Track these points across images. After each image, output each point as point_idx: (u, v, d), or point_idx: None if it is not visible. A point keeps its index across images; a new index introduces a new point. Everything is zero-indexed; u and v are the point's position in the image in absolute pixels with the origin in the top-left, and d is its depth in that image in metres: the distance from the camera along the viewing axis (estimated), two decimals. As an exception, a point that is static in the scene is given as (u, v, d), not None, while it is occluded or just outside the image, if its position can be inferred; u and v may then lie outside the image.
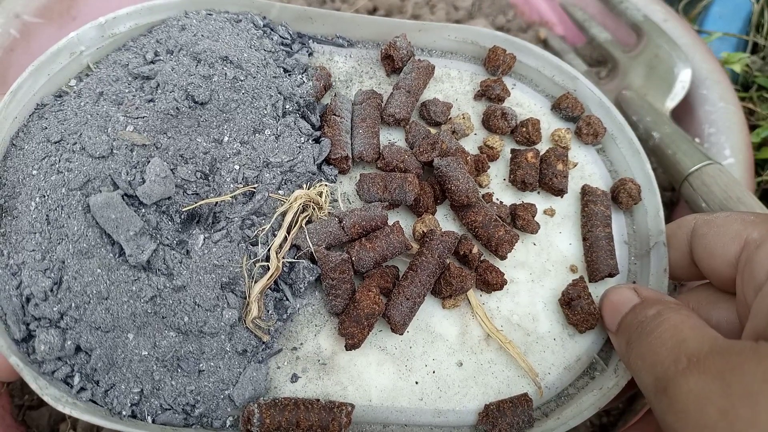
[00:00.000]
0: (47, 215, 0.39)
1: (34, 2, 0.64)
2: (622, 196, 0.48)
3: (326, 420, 0.39)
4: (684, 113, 0.66)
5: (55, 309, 0.37)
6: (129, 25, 0.48)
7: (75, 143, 0.41)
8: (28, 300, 0.38)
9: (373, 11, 0.71)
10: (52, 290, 0.37)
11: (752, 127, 0.70)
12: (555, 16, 0.79)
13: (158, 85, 0.44)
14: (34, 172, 0.41)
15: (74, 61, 0.46)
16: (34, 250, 0.38)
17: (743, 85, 0.76)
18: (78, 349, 0.38)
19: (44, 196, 0.40)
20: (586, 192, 0.49)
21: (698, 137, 0.64)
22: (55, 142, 0.42)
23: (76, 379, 0.38)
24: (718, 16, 0.76)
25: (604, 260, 0.46)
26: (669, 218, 0.68)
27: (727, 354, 0.31)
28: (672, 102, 0.64)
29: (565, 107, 0.51)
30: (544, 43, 0.76)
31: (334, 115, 0.47)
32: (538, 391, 0.43)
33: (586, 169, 0.51)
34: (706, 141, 0.64)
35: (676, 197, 0.67)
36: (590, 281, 0.47)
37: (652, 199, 0.49)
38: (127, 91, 0.44)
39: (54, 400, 0.37)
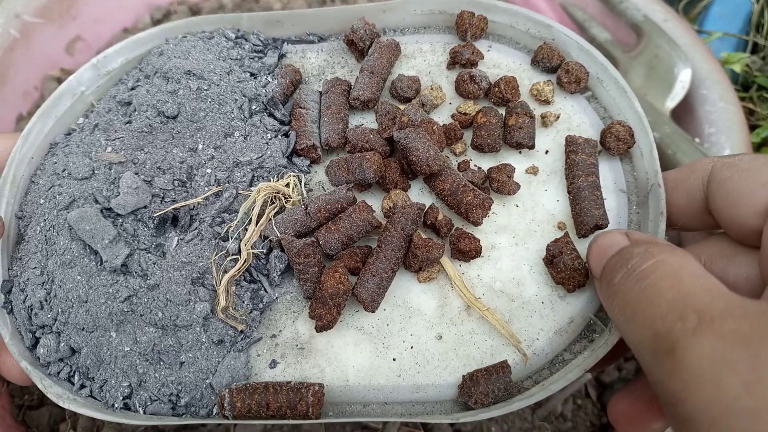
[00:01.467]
0: (45, 236, 0.44)
1: (34, 2, 0.67)
2: (610, 140, 0.44)
3: (294, 400, 0.39)
4: (684, 113, 0.63)
5: (49, 316, 0.42)
6: (120, 61, 0.53)
7: (64, 170, 0.46)
8: (31, 310, 0.43)
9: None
10: (46, 299, 0.42)
11: (752, 127, 0.68)
12: (555, 16, 0.76)
13: (135, 108, 0.48)
14: (42, 201, 0.47)
15: (78, 101, 0.52)
16: (35, 268, 0.44)
17: (743, 85, 0.73)
18: (73, 350, 0.42)
19: (45, 220, 0.45)
20: (568, 143, 0.45)
21: (698, 137, 0.62)
22: (58, 173, 0.47)
23: (77, 377, 0.42)
24: (718, 16, 0.74)
25: (589, 211, 0.42)
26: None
27: (754, 317, 0.26)
28: (672, 102, 0.62)
29: (542, 58, 0.48)
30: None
31: (299, 107, 0.49)
32: (523, 358, 0.41)
33: (574, 119, 0.47)
34: (706, 141, 0.61)
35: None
36: (579, 236, 0.43)
37: (644, 140, 0.44)
38: (114, 119, 0.49)
39: (56, 397, 0.41)
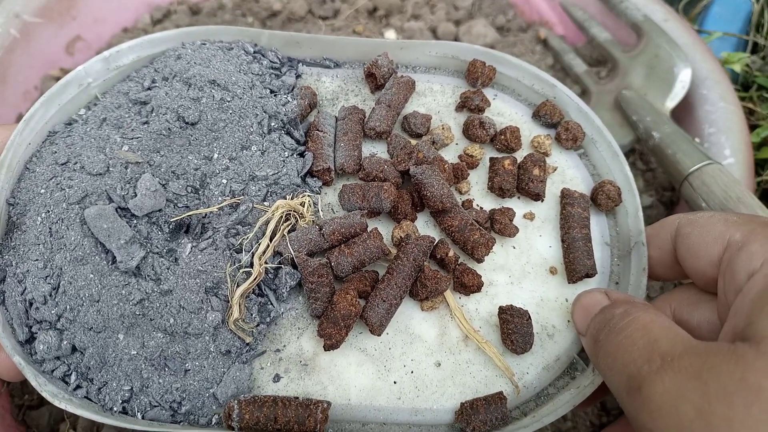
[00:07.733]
0: (50, 228, 0.43)
1: (34, 2, 0.67)
2: (601, 198, 0.49)
3: (302, 416, 0.41)
4: (684, 113, 0.66)
5: (53, 312, 0.41)
6: (132, 57, 0.52)
7: (76, 163, 0.45)
8: (30, 304, 0.42)
9: (373, 11, 0.73)
10: (50, 294, 0.41)
11: (752, 127, 0.69)
12: (555, 16, 0.80)
13: (153, 108, 0.48)
14: (42, 190, 0.45)
15: (83, 92, 0.51)
16: (37, 260, 0.42)
17: (743, 85, 0.75)
18: (74, 348, 0.41)
19: (48, 211, 0.44)
20: (564, 195, 0.50)
21: (698, 137, 0.64)
22: (62, 164, 0.46)
23: (73, 377, 0.41)
24: (718, 16, 0.76)
25: (581, 261, 0.47)
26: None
27: (703, 354, 0.31)
28: (672, 102, 0.65)
29: (544, 114, 0.52)
30: (544, 43, 0.77)
31: (317, 130, 0.50)
32: (515, 390, 0.44)
33: (568, 173, 0.52)
34: (706, 141, 0.64)
35: (676, 197, 0.66)
36: (569, 282, 0.47)
37: (631, 201, 0.49)
38: (126, 116, 0.48)
39: (51, 396, 0.40)
